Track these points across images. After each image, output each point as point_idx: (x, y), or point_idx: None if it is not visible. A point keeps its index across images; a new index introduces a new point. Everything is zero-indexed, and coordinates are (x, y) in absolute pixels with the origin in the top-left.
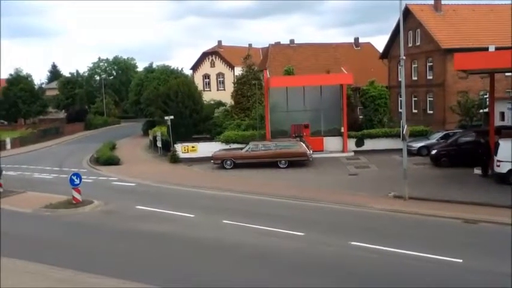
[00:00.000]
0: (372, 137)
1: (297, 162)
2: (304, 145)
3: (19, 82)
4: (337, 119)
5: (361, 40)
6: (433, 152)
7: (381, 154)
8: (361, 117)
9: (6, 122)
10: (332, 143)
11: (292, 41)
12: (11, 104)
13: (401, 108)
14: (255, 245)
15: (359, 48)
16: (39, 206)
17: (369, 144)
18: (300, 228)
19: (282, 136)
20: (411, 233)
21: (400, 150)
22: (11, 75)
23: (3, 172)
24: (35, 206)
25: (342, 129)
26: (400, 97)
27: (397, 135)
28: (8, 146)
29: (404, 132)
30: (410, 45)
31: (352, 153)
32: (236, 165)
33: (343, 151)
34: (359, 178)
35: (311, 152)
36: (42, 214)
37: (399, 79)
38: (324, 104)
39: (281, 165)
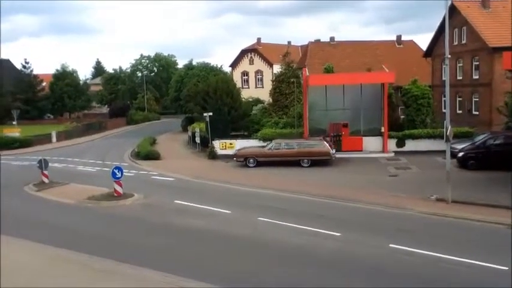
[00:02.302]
0: (413, 137)
1: (320, 161)
2: (327, 144)
3: (65, 77)
4: (378, 118)
5: (403, 38)
6: (460, 154)
7: (422, 155)
8: (402, 117)
9: (52, 116)
10: (372, 143)
11: (332, 39)
12: (57, 98)
13: (445, 108)
14: (290, 244)
15: (401, 46)
16: (82, 197)
17: (410, 145)
18: (337, 228)
19: (320, 135)
20: (454, 238)
21: (443, 152)
22: (57, 70)
23: (49, 164)
24: (78, 198)
25: (383, 129)
26: (444, 97)
27: (440, 137)
28: (54, 139)
29: (448, 133)
30: (455, 43)
31: (393, 154)
32: (259, 164)
33: (383, 151)
34: (399, 179)
35: (334, 151)
36: (85, 206)
37: (443, 78)
38: (364, 103)
39: (304, 164)
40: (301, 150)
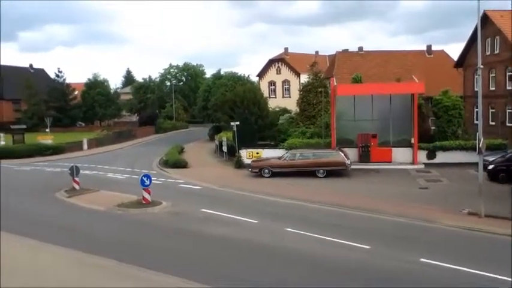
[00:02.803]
0: (444, 149)
1: (335, 171)
2: (343, 154)
3: (96, 86)
4: (407, 129)
5: (434, 47)
6: (490, 167)
7: (454, 168)
8: (433, 128)
9: (83, 124)
10: (401, 155)
11: (360, 48)
12: (88, 107)
13: (477, 119)
14: (318, 255)
15: (431, 55)
16: (112, 204)
17: (441, 157)
18: (366, 241)
19: (348, 145)
20: (488, 253)
21: (475, 164)
22: (89, 79)
23: (80, 171)
24: (108, 205)
25: (412, 140)
26: (476, 108)
27: (472, 148)
28: (85, 146)
29: (480, 145)
30: (488, 53)
31: (423, 166)
32: (274, 174)
33: (413, 163)
34: (429, 192)
35: (349, 161)
36: (115, 213)
37: (475, 89)
38: (393, 114)
39: (319, 175)
40: (317, 161)
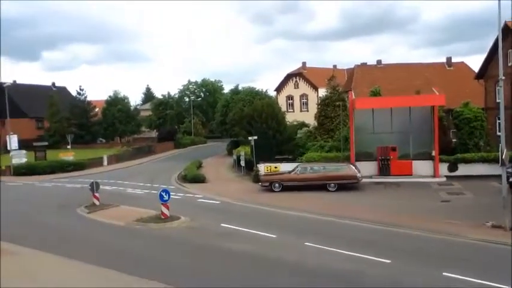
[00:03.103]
0: (466, 161)
1: (346, 185)
2: (353, 168)
3: (117, 103)
4: (428, 142)
5: (454, 60)
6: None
7: (476, 180)
8: (454, 140)
9: (104, 140)
10: (422, 167)
11: (379, 62)
12: (109, 123)
13: (499, 131)
14: (338, 270)
15: (452, 68)
16: (131, 219)
17: (463, 170)
18: (386, 255)
19: (367, 159)
20: None
21: (498, 176)
22: (110, 97)
23: (100, 186)
24: (127, 220)
25: (433, 153)
26: (499, 119)
27: (494, 161)
28: (105, 162)
29: (503, 156)
30: (509, 64)
31: (444, 179)
32: (284, 188)
33: (434, 176)
34: (451, 205)
35: (360, 175)
36: (134, 227)
37: (497, 100)
38: (413, 126)
39: (330, 189)
40: (327, 174)
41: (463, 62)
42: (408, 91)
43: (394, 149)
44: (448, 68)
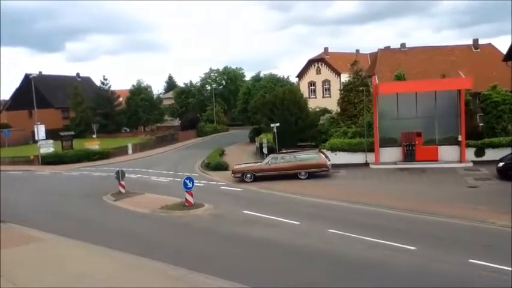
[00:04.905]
0: (494, 146)
1: (316, 173)
2: (323, 156)
3: (140, 93)
4: (454, 126)
5: (481, 41)
6: (500, 164)
7: None
8: (481, 124)
9: (128, 129)
10: (448, 153)
11: (403, 45)
12: (132, 112)
13: None
14: (362, 257)
15: (478, 50)
16: (156, 207)
17: (491, 155)
18: (412, 242)
19: (392, 144)
20: None
21: None
22: (133, 86)
23: (126, 175)
24: (152, 207)
25: (460, 138)
26: None
27: None
28: (130, 151)
29: None
30: None
31: (471, 164)
32: (256, 178)
33: (460, 161)
34: (479, 191)
35: (330, 163)
36: (159, 215)
37: None
38: (439, 111)
39: (301, 177)
40: (298, 164)
41: (490, 44)
42: (433, 75)
43: (419, 135)
44: (474, 50)
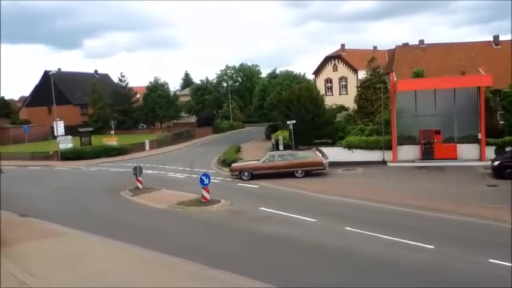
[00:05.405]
0: None
1: (313, 172)
2: (320, 154)
3: (157, 89)
4: (473, 124)
5: (501, 38)
6: (496, 163)
7: None
8: (501, 122)
9: (145, 126)
10: (467, 151)
11: (421, 42)
12: (149, 109)
13: None
14: (380, 255)
15: (499, 46)
16: (172, 203)
17: None
18: (429, 241)
19: (410, 142)
20: None
21: None
22: (150, 83)
23: (143, 171)
24: (169, 203)
25: (479, 136)
26: None
27: None
28: (147, 147)
29: None
30: None
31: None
32: (253, 177)
33: (480, 160)
34: (498, 190)
35: (327, 161)
36: (176, 211)
37: None
38: (458, 109)
39: (297, 175)
40: (294, 162)
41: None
42: (452, 72)
43: (438, 132)
44: (495, 47)
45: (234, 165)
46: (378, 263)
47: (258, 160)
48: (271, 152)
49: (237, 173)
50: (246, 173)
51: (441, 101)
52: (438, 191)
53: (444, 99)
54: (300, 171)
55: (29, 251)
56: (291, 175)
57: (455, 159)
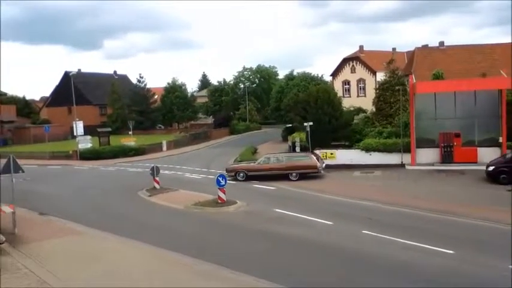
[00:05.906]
0: None
1: (307, 175)
2: (314, 158)
3: (175, 90)
4: (495, 127)
5: None
6: (491, 168)
7: None
8: None
9: (162, 126)
10: (488, 154)
11: (441, 43)
12: (167, 110)
13: None
14: (397, 259)
15: None
16: (189, 203)
17: None
18: (449, 245)
19: (429, 145)
20: None
21: None
22: (168, 84)
23: (160, 171)
24: (186, 203)
25: (501, 139)
26: None
27: None
28: (164, 148)
29: None
30: None
31: None
32: (248, 178)
33: None
34: None
35: (322, 164)
36: (192, 211)
37: None
38: (479, 111)
39: (292, 178)
40: (289, 164)
41: None
42: (473, 74)
43: (457, 135)
44: None
45: (229, 166)
46: (397, 268)
47: (254, 162)
48: (267, 155)
49: (233, 173)
50: (241, 174)
51: (461, 103)
52: (457, 195)
53: (464, 102)
54: (294, 174)
55: (48, 249)
56: (285, 177)
57: (476, 163)
